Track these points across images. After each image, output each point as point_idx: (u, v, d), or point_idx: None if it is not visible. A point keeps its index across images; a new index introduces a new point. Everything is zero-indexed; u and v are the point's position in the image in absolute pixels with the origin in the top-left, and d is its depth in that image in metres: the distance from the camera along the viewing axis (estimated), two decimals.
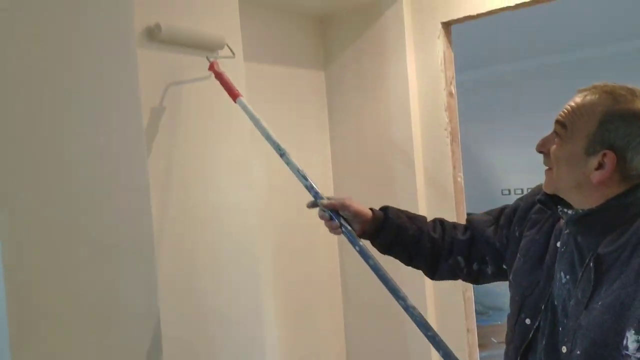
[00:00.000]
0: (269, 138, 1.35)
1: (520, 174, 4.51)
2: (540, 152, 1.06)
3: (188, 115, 1.58)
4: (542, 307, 1.06)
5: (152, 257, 1.19)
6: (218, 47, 1.60)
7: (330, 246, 2.38)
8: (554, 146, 1.02)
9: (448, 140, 2.16)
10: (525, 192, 5.86)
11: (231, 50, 1.63)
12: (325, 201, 1.27)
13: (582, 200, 1.00)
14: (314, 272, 2.32)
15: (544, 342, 1.05)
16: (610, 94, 0.98)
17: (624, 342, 0.89)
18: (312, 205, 1.30)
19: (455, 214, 2.15)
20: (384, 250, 1.32)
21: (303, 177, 1.30)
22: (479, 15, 2.08)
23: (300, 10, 2.27)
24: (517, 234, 1.19)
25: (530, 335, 1.07)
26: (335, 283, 2.41)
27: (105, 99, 1.12)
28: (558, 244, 1.07)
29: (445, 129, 2.16)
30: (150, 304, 1.19)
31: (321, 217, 1.29)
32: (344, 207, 1.26)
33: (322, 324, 2.35)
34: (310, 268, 2.29)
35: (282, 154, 1.33)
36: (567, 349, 0.99)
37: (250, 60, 1.94)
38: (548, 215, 1.12)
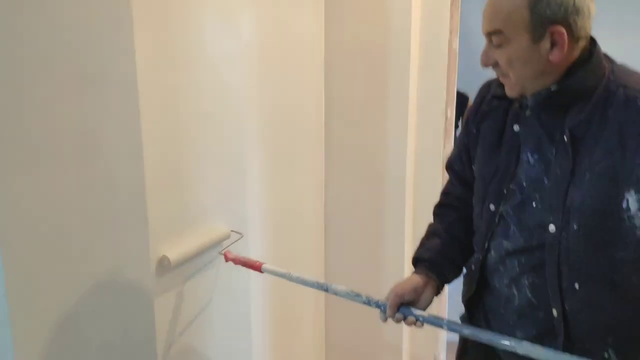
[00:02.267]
0: (306, 283, 1.34)
1: None
2: (487, 66, 1.03)
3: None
4: (505, 192, 1.07)
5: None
6: (224, 238, 1.58)
7: (317, 113, 2.35)
8: (499, 55, 1.00)
9: (448, 3, 2.06)
10: None
11: (238, 232, 1.63)
12: (389, 310, 1.13)
13: (544, 82, 1.00)
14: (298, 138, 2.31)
15: (514, 224, 1.06)
16: None
17: (625, 204, 0.92)
18: (385, 318, 1.16)
19: (445, 80, 2.10)
20: (460, 271, 1.23)
21: (357, 296, 1.20)
22: None
23: None
24: (474, 131, 1.18)
25: (496, 220, 1.09)
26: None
27: None
28: (516, 128, 1.07)
29: None
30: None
31: (398, 321, 1.14)
32: (401, 296, 1.13)
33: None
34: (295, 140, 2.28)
35: (325, 289, 1.27)
36: (555, 227, 0.99)
37: None
38: (499, 104, 1.11)
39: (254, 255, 1.69)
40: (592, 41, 1.01)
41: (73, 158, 1.10)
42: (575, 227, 0.97)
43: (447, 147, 2.20)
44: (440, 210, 1.30)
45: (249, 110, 1.80)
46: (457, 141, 1.27)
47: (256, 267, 1.49)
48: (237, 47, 1.68)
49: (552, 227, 1.00)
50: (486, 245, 1.11)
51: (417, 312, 1.12)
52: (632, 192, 0.91)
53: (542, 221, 1.02)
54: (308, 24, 2.15)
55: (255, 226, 1.87)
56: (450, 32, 2.09)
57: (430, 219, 1.32)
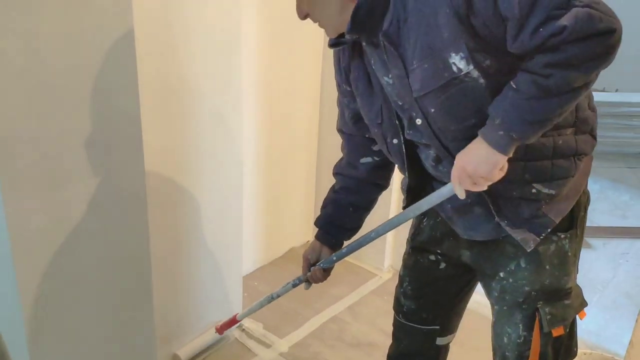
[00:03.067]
0: (262, 303, 1.65)
1: None
2: (304, 18, 1.08)
3: None
4: (397, 122, 1.11)
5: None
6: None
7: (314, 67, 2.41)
8: (305, 4, 1.05)
9: None
10: None
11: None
12: (304, 275, 1.40)
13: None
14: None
15: (418, 136, 1.09)
16: None
17: (454, 67, 0.95)
18: (308, 285, 1.43)
19: None
20: (355, 232, 1.38)
21: (286, 285, 1.49)
22: None
23: None
24: (348, 88, 1.20)
25: (404, 149, 1.13)
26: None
27: None
28: (373, 67, 1.10)
29: None
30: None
31: (314, 280, 1.39)
32: (306, 259, 1.38)
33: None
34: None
35: (271, 297, 1.59)
36: (421, 120, 1.04)
37: None
38: (351, 56, 1.14)
39: None
40: None
41: None
42: (432, 110, 1.01)
43: None
44: (334, 176, 1.37)
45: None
46: (339, 104, 1.29)
47: (234, 320, 1.83)
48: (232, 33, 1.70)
49: (419, 121, 1.05)
50: (406, 172, 1.17)
51: (320, 264, 1.36)
52: (452, 54, 0.94)
53: (414, 119, 1.06)
54: None
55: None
56: None
57: None
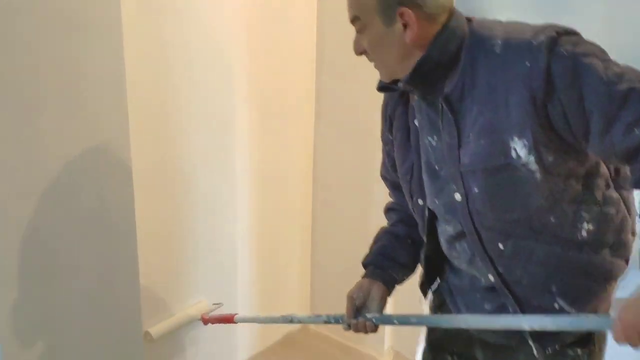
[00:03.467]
0: (276, 320, 1.43)
1: None
2: (360, 54, 1.04)
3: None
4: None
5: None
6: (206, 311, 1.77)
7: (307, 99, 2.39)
8: (364, 41, 1.01)
9: None
10: None
11: (218, 304, 1.82)
12: (346, 316, 1.17)
13: (412, 64, 0.97)
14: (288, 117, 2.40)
15: (442, 209, 1.05)
16: None
17: (513, 153, 0.90)
18: (348, 327, 1.19)
19: None
20: (411, 271, 1.24)
21: (317, 318, 1.32)
22: None
23: None
24: (390, 137, 1.17)
25: (426, 213, 1.09)
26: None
27: None
28: (416, 122, 1.07)
29: None
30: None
31: (357, 330, 1.17)
32: (351, 299, 1.17)
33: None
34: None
35: (291, 319, 1.38)
36: (460, 195, 0.99)
37: None
38: (397, 103, 1.12)
39: None
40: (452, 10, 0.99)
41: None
42: (476, 190, 0.96)
43: None
44: (386, 215, 1.31)
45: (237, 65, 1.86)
46: (382, 151, 1.25)
47: (229, 320, 1.59)
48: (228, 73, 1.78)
49: (457, 196, 0.99)
50: (425, 238, 1.13)
51: (368, 315, 1.16)
52: (515, 138, 0.89)
53: (452, 190, 1.01)
54: (299, 39, 2.20)
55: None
56: None
57: None
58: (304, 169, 2.38)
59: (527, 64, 0.86)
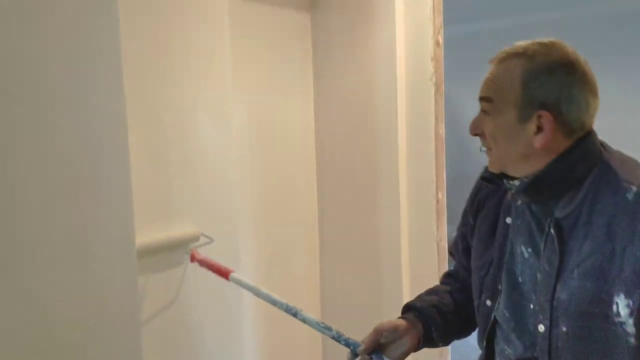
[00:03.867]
0: (275, 302, 1.28)
1: None
2: (475, 135, 1.00)
3: (166, 54, 1.52)
4: (499, 288, 1.01)
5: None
6: (193, 240, 1.57)
7: (310, 196, 2.38)
8: (487, 125, 0.97)
9: (432, 91, 2.14)
10: None
11: (208, 237, 1.58)
12: (362, 348, 1.07)
13: (530, 169, 0.94)
14: (291, 222, 2.32)
15: (512, 323, 1.00)
16: (523, 53, 0.93)
17: (614, 308, 0.85)
18: (353, 357, 1.10)
19: (434, 168, 2.15)
20: (447, 340, 1.17)
21: (326, 329, 1.17)
22: None
23: None
24: (472, 221, 1.13)
25: (492, 317, 1.03)
26: (313, 232, 2.43)
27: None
28: (508, 220, 1.02)
29: (430, 79, 2.14)
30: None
31: None
32: (379, 333, 1.07)
33: (298, 270, 2.38)
34: (288, 219, 2.29)
35: (295, 313, 1.24)
36: (544, 327, 0.93)
37: None
38: (493, 192, 1.07)
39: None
40: (589, 131, 0.95)
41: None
42: (564, 328, 0.91)
43: (440, 229, 2.21)
44: (446, 278, 1.25)
45: (242, 199, 1.83)
46: (458, 229, 1.21)
47: (223, 273, 1.42)
48: (229, 138, 1.72)
49: (541, 327, 0.94)
50: (484, 343, 1.06)
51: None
52: (622, 295, 0.84)
53: (536, 319, 0.96)
54: (298, 115, 2.23)
55: None
56: (436, 119, 2.16)
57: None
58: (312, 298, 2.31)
59: None
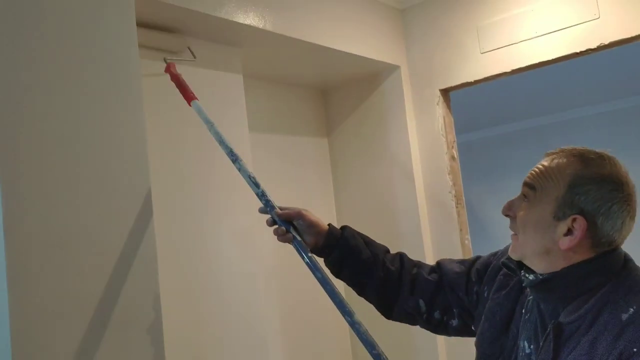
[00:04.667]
0: (222, 143, 1.29)
1: None
2: (506, 215, 1.01)
3: (190, 186, 1.59)
4: None
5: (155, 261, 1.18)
6: (178, 49, 1.58)
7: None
8: (521, 211, 0.98)
9: (453, 203, 2.17)
10: None
11: (192, 53, 1.58)
12: (279, 211, 1.20)
13: (547, 266, 0.95)
14: (321, 336, 2.25)
15: None
16: (580, 157, 0.95)
17: None
18: (263, 211, 1.23)
19: None
20: (335, 271, 1.24)
21: (254, 185, 1.23)
22: (476, 82, 2.15)
23: (303, 82, 2.35)
24: (485, 294, 1.12)
25: None
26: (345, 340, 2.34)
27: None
28: (523, 310, 1.02)
29: (450, 192, 2.17)
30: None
31: (271, 225, 1.22)
32: (300, 215, 1.20)
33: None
34: (318, 332, 2.23)
35: (234, 159, 1.26)
36: None
37: (255, 131, 1.99)
38: (516, 279, 1.06)
39: None
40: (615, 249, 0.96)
41: None
42: None
43: None
44: (400, 255, 1.29)
45: (269, 332, 1.79)
46: (463, 265, 1.21)
47: (188, 96, 1.35)
48: (254, 267, 1.74)
49: None
50: None
51: (295, 233, 1.18)
52: None
53: None
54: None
55: None
56: (460, 230, 2.16)
57: None
58: None
59: (635, 349, 0.82)
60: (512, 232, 1.01)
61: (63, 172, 1.07)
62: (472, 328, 1.16)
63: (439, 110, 2.21)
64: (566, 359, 0.89)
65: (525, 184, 1.00)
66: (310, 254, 1.18)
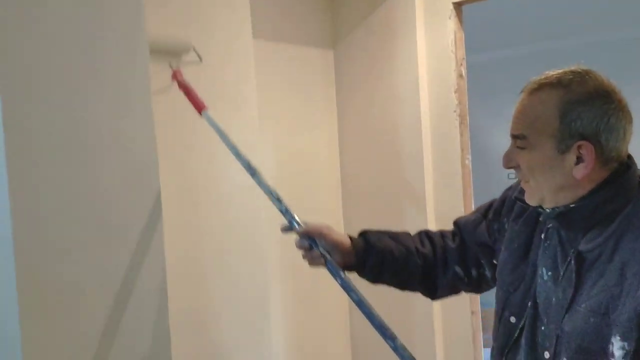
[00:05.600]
0: (238, 156, 1.22)
1: None
2: (509, 168, 0.99)
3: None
4: (528, 305, 0.99)
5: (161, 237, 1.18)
6: (183, 50, 1.44)
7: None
8: (522, 159, 0.95)
9: (457, 123, 2.14)
10: None
11: (198, 55, 1.47)
12: (301, 228, 1.15)
13: (564, 199, 0.94)
14: None
15: (526, 344, 0.99)
16: (558, 83, 0.91)
17: (610, 348, 0.84)
18: (287, 229, 1.18)
19: (462, 199, 2.13)
20: (374, 279, 1.21)
21: (277, 200, 1.17)
22: None
23: None
24: (505, 225, 1.12)
25: (516, 335, 1.01)
26: None
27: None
28: (542, 237, 1.01)
29: (455, 111, 2.14)
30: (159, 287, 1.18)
31: (299, 246, 1.16)
32: (321, 236, 1.14)
33: (327, 316, 2.36)
34: None
35: (252, 173, 1.20)
36: (549, 354, 0.93)
37: (259, 38, 1.91)
38: (530, 210, 1.05)
39: None
40: (629, 162, 0.94)
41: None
42: (564, 359, 0.90)
43: None
44: (425, 237, 1.25)
45: (269, 243, 1.83)
46: (479, 212, 1.20)
47: (198, 105, 1.31)
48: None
49: (547, 354, 0.93)
50: (503, 358, 1.03)
51: (324, 251, 1.11)
52: (618, 337, 0.83)
53: (543, 344, 0.95)
54: (323, 155, 2.25)
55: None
56: (462, 150, 2.15)
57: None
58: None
59: None
60: (523, 181, 0.99)
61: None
62: (494, 262, 1.15)
63: (451, 24, 2.12)
64: (593, 288, 0.88)
65: (513, 137, 0.96)
66: (344, 275, 1.11)
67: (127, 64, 1.10)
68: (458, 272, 1.20)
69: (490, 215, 1.17)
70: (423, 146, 2.15)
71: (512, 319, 1.01)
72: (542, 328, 0.96)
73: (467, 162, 2.17)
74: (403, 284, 1.23)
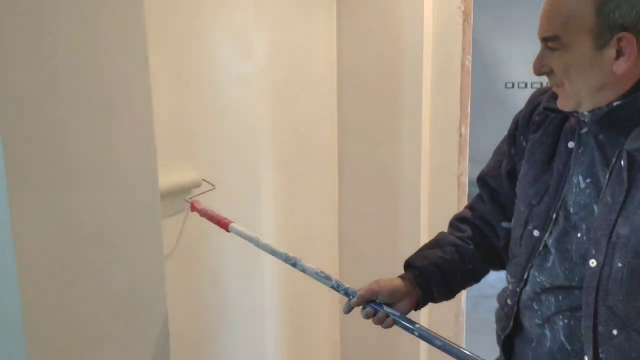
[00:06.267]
0: (274, 253, 1.24)
1: (526, 67, 4.40)
2: (541, 74, 0.92)
3: None
4: (554, 217, 0.96)
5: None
6: (194, 186, 1.49)
7: (330, 125, 2.36)
8: (555, 61, 0.89)
9: (460, 20, 2.06)
10: (528, 87, 5.70)
11: (210, 183, 1.50)
12: (356, 299, 1.08)
13: (607, 97, 0.88)
14: (310, 153, 2.31)
15: (553, 257, 0.95)
16: None
17: None
18: (348, 308, 1.10)
19: (459, 101, 2.10)
20: (449, 293, 1.13)
21: (325, 279, 1.14)
22: None
23: None
24: (523, 143, 1.06)
25: (541, 248, 0.97)
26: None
27: None
28: (570, 145, 0.96)
29: (459, 7, 2.05)
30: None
31: (365, 316, 1.08)
32: (375, 294, 1.07)
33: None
34: (306, 150, 2.28)
35: (294, 263, 1.19)
36: (597, 261, 0.88)
37: None
38: (554, 115, 1.00)
39: None
40: None
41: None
42: (619, 264, 0.85)
43: (461, 164, 2.19)
44: (457, 222, 1.19)
45: (262, 131, 1.81)
46: (498, 152, 1.14)
47: (223, 224, 1.39)
48: (250, 68, 1.68)
49: (593, 262, 0.88)
50: (525, 275, 1.00)
51: (389, 309, 1.05)
52: None
53: (585, 255, 0.90)
54: (320, 43, 2.17)
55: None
56: (463, 50, 2.09)
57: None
58: (330, 229, 2.31)
59: None
60: (555, 86, 0.93)
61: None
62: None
63: None
64: None
65: (545, 39, 0.90)
66: (418, 325, 1.04)
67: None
68: (506, 227, 1.12)
69: (511, 150, 1.11)
70: (424, 43, 2.08)
71: (536, 232, 0.98)
72: (580, 236, 0.92)
73: (467, 63, 2.11)
74: (474, 277, 1.16)
